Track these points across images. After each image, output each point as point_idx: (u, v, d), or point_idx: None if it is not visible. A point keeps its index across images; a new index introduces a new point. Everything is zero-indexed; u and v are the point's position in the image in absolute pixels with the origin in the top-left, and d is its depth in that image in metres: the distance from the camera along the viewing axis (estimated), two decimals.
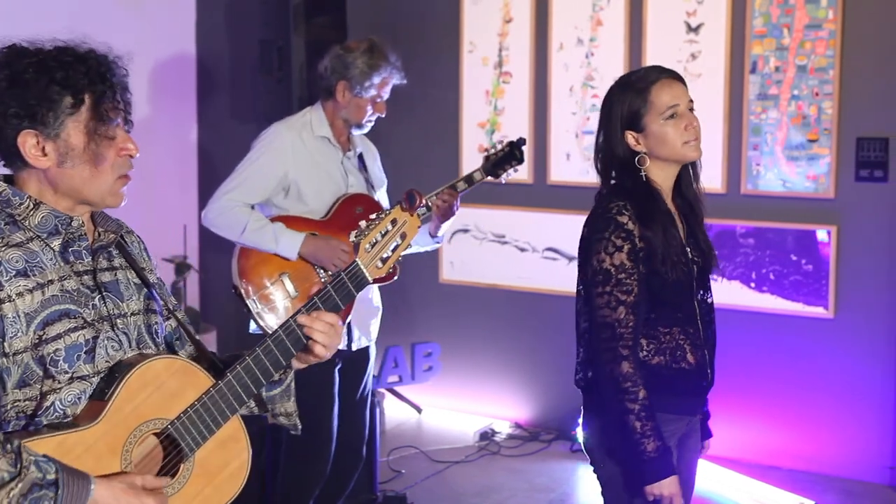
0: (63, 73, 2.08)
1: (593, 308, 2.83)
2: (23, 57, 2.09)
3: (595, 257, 2.82)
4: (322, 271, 3.92)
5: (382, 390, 5.81)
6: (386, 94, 4.07)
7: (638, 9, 5.48)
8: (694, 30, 5.34)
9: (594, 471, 2.98)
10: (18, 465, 1.92)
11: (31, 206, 2.13)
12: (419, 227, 2.42)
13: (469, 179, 4.10)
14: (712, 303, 3.02)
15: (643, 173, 2.90)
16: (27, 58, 2.09)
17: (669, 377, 2.87)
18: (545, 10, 5.72)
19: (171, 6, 6.46)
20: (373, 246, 2.34)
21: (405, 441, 5.71)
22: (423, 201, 2.39)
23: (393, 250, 2.37)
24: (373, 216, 2.42)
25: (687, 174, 2.97)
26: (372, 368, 4.30)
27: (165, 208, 6.26)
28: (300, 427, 2.49)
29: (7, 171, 2.20)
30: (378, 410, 5.08)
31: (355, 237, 2.39)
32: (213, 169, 6.29)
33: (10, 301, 2.04)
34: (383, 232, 2.35)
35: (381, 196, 4.22)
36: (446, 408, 6.14)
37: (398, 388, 6.02)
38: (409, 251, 3.99)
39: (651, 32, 5.45)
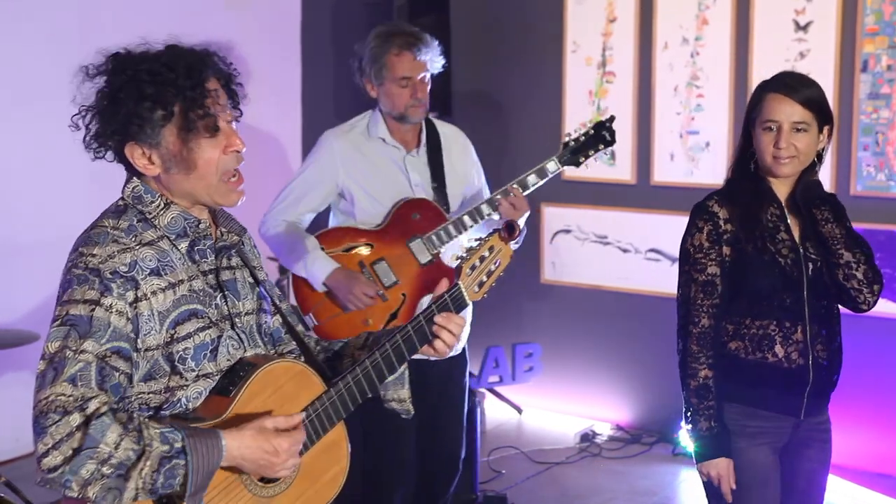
0: (153, 88, 2.12)
1: (677, 288, 3.00)
2: (119, 72, 2.14)
3: (682, 241, 2.99)
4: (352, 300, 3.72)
5: (483, 390, 5.81)
6: (413, 73, 3.82)
7: (745, 7, 5.39)
8: (803, 28, 5.24)
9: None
10: (142, 443, 1.98)
11: (163, 205, 2.20)
12: (511, 255, 2.50)
13: (541, 172, 3.84)
14: (836, 308, 3.06)
15: (752, 166, 2.99)
16: (123, 73, 2.13)
17: (751, 367, 2.91)
18: (650, 9, 5.66)
19: (276, 9, 6.55)
20: (472, 270, 2.45)
21: (505, 441, 5.72)
22: (520, 233, 2.46)
23: (488, 276, 2.48)
24: (475, 243, 2.48)
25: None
26: (467, 378, 4.19)
27: (269, 207, 6.33)
28: (412, 412, 2.56)
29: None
30: (478, 410, 5.08)
31: (454, 256, 2.47)
32: None
33: (146, 299, 2.11)
34: (481, 258, 2.46)
35: (458, 192, 4.01)
36: (547, 408, 6.13)
37: (499, 389, 6.03)
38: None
39: (758, 31, 5.36)
